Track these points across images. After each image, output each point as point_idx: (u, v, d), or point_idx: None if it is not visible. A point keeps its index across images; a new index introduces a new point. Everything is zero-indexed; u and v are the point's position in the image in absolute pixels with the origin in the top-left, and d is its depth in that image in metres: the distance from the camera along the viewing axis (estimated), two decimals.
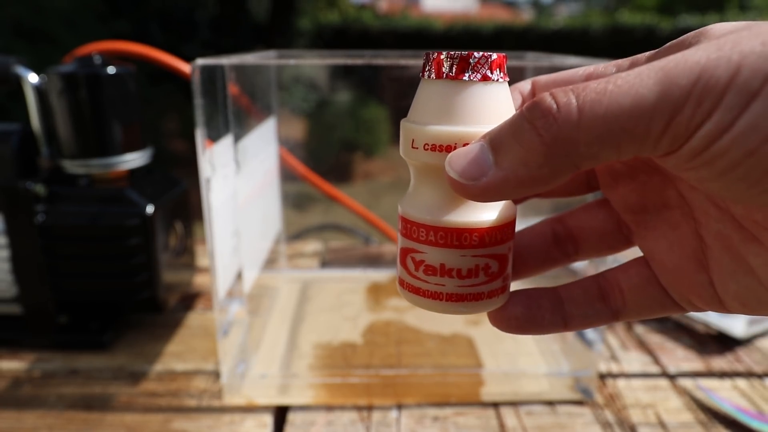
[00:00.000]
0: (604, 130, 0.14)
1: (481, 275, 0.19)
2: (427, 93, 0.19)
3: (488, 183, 0.16)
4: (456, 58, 0.18)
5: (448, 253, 0.18)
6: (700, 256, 0.18)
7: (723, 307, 0.18)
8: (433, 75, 0.18)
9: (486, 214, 0.19)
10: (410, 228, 0.19)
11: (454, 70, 0.18)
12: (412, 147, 0.18)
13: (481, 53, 0.18)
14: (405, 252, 0.20)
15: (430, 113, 0.18)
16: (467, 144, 0.17)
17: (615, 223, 0.21)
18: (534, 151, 0.15)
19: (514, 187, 0.16)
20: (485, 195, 0.16)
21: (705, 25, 0.17)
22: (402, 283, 0.20)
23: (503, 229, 0.19)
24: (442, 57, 0.18)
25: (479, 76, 0.18)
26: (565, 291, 0.20)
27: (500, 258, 0.19)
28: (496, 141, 0.16)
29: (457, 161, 0.17)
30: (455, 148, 0.17)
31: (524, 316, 0.19)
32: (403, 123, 0.19)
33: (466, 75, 0.18)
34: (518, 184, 0.16)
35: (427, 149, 0.18)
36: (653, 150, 0.15)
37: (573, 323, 0.19)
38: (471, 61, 0.18)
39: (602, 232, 0.21)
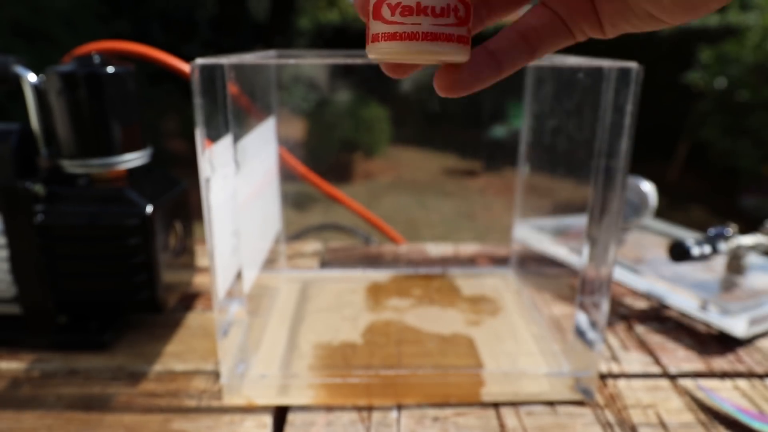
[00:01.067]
0: None
1: (451, 16, 0.21)
2: None
3: None
4: None
5: None
6: None
7: (602, 31, 0.23)
8: None
9: None
10: None
11: None
12: None
13: None
14: (380, 3, 0.21)
15: None
16: None
17: None
18: None
19: None
20: None
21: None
22: (375, 38, 0.22)
23: None
24: None
25: None
26: (492, 44, 0.24)
27: (466, 4, 0.22)
28: None
29: None
30: None
31: (470, 76, 0.23)
32: None
33: None
34: None
35: None
36: None
37: (504, 68, 0.24)
38: None
39: None
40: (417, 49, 0.21)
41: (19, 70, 0.43)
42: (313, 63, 0.48)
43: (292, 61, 0.45)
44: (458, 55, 0.22)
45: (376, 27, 0.22)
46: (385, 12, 0.21)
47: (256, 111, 0.47)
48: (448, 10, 0.21)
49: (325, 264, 0.64)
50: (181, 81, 0.51)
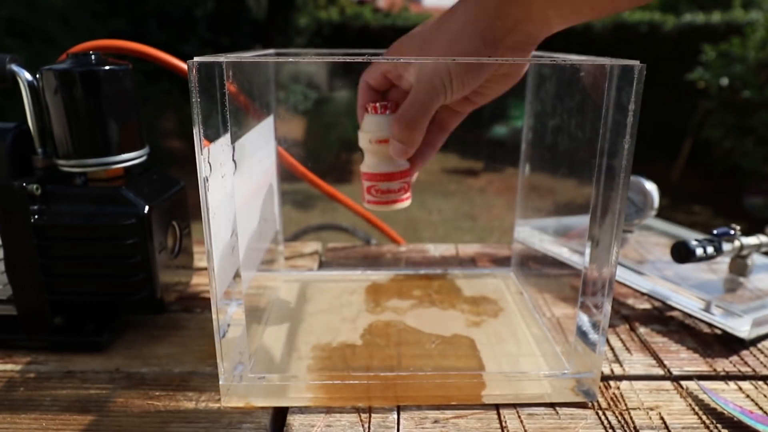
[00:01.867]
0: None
1: (402, 191, 0.43)
2: (369, 120, 0.42)
3: (408, 150, 0.41)
4: (381, 105, 0.41)
5: (390, 183, 0.43)
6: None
7: (472, 102, 0.41)
8: (371, 112, 0.42)
9: (403, 164, 0.43)
10: (371, 175, 0.43)
11: (380, 111, 0.41)
12: (369, 142, 0.42)
13: (384, 102, 0.41)
14: (369, 187, 0.43)
15: (374, 128, 0.42)
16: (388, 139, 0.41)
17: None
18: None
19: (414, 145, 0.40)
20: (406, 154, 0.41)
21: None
22: (368, 202, 0.44)
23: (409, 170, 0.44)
24: (376, 105, 0.41)
25: (388, 112, 0.41)
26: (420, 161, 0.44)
27: (408, 183, 0.44)
28: (398, 135, 0.40)
29: (393, 145, 0.41)
30: (387, 141, 0.41)
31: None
32: (360, 133, 0.43)
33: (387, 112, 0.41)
34: (413, 144, 0.40)
35: (374, 142, 0.42)
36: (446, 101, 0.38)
37: (426, 158, 0.44)
38: (387, 105, 0.41)
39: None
40: (388, 207, 0.43)
41: (15, 68, 0.43)
42: (312, 61, 0.48)
43: (290, 59, 0.45)
44: (407, 204, 0.44)
45: (367, 197, 0.44)
46: (373, 192, 0.43)
47: (255, 110, 0.47)
48: (401, 189, 0.43)
49: (324, 264, 0.64)
50: (179, 80, 0.51)
